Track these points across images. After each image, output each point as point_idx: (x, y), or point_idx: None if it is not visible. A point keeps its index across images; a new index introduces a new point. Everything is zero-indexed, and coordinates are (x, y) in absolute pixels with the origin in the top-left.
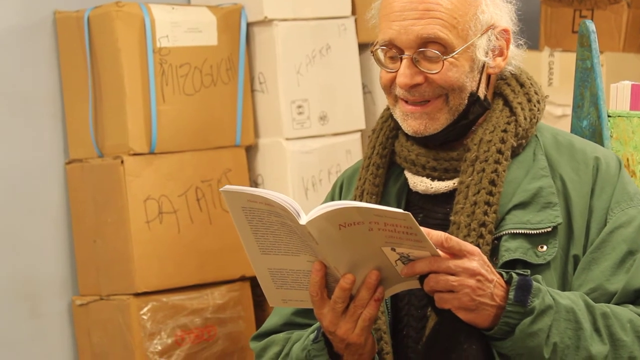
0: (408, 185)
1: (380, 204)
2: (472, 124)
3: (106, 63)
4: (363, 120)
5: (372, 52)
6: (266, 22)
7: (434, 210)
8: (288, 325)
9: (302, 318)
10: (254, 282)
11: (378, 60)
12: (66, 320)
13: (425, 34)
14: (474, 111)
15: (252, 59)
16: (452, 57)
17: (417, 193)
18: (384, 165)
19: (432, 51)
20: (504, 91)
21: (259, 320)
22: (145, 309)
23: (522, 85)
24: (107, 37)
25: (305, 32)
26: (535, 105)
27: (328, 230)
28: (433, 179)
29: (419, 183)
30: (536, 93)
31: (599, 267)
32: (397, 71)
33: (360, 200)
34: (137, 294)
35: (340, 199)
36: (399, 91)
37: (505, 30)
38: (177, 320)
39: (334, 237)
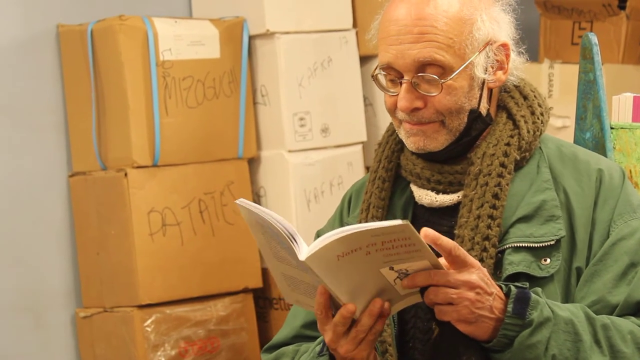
0: (414, 198)
1: (386, 217)
2: (476, 139)
3: (109, 76)
4: (364, 133)
5: (372, 76)
6: (268, 35)
7: (439, 224)
8: (298, 338)
9: (311, 331)
10: (256, 293)
11: (380, 85)
12: (70, 332)
13: (422, 57)
14: (476, 127)
15: (255, 72)
16: (450, 79)
17: (422, 206)
18: (390, 179)
19: (430, 75)
20: (508, 104)
21: (262, 332)
22: (148, 321)
23: (525, 97)
24: (110, 50)
25: (307, 45)
26: (538, 118)
27: (327, 262)
28: (438, 192)
29: (424, 196)
30: (540, 105)
31: (601, 279)
32: (398, 95)
33: (367, 214)
34: (141, 306)
35: (349, 212)
36: (400, 114)
37: (504, 45)
38: (181, 332)
39: (333, 268)
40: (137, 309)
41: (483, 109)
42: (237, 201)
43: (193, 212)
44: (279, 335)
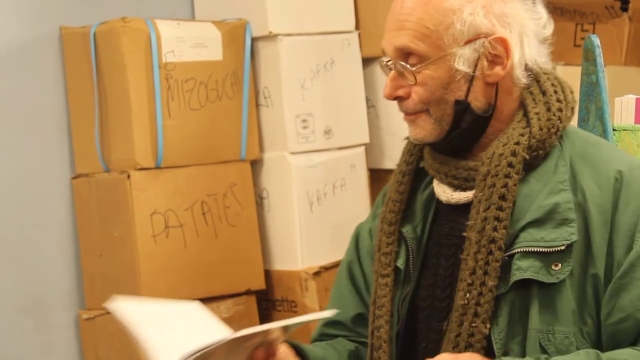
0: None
1: (405, 211)
2: (478, 134)
3: (112, 78)
4: (367, 134)
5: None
6: (271, 37)
7: (458, 222)
8: (322, 336)
9: (333, 329)
10: (259, 295)
11: (384, 71)
12: (73, 334)
13: (399, 44)
14: (465, 120)
15: (257, 74)
16: (418, 68)
17: (442, 202)
18: (410, 172)
19: (402, 63)
20: (525, 100)
21: None
22: None
23: (544, 93)
24: (113, 52)
25: (310, 47)
26: (554, 114)
27: None
28: (455, 189)
29: (442, 192)
30: (559, 100)
31: (629, 294)
32: None
33: (386, 208)
34: None
35: (381, 208)
36: (398, 106)
37: (501, 39)
38: None
39: None
40: None
41: (477, 103)
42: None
43: (196, 214)
44: (340, 314)
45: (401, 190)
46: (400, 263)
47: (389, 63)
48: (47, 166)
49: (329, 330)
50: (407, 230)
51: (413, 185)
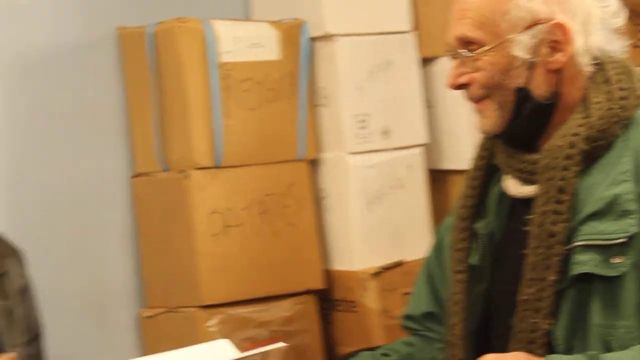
0: None
1: (479, 206)
2: (541, 125)
3: (170, 78)
4: (425, 135)
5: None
6: (327, 37)
7: (526, 216)
8: (403, 328)
9: (408, 322)
10: (320, 295)
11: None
12: (133, 332)
13: (458, 33)
14: (527, 107)
15: (314, 74)
16: (478, 55)
17: (514, 197)
18: (483, 167)
19: (462, 51)
20: (588, 89)
21: (326, 334)
22: (212, 321)
23: (606, 81)
24: (170, 52)
25: (367, 47)
26: (616, 103)
27: None
28: (522, 182)
29: (511, 186)
30: (622, 89)
31: None
32: None
33: (459, 204)
34: (204, 307)
35: None
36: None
37: (560, 25)
38: (245, 333)
39: None
40: (201, 310)
41: (539, 90)
42: None
43: (254, 213)
44: (413, 307)
45: (474, 186)
46: (474, 260)
47: (452, 53)
48: (107, 166)
49: (407, 323)
50: (480, 226)
51: (487, 181)
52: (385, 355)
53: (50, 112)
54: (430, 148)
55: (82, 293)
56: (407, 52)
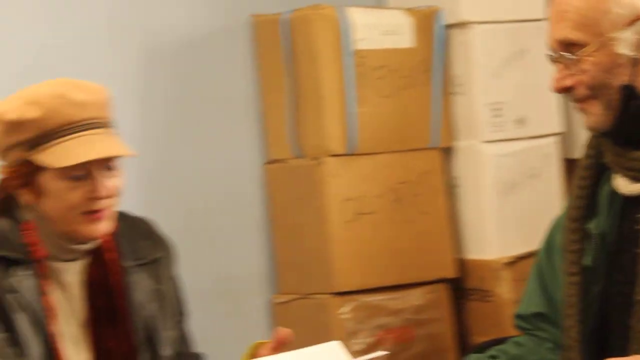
0: None
1: (589, 205)
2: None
3: (304, 65)
4: (561, 124)
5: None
6: (463, 24)
7: (637, 214)
8: (516, 327)
9: (519, 321)
10: (453, 284)
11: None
12: (266, 318)
13: (559, 36)
14: (634, 105)
15: (449, 61)
16: (580, 56)
17: (625, 196)
18: (592, 166)
19: (564, 54)
20: None
21: (459, 322)
22: (344, 309)
23: None
24: (305, 39)
25: (503, 35)
26: None
27: None
28: (632, 180)
29: (621, 185)
30: None
31: None
32: None
33: (569, 204)
34: (337, 294)
35: None
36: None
37: None
38: (378, 320)
39: None
40: (333, 297)
41: None
42: None
43: (387, 201)
44: (525, 307)
45: (583, 185)
46: (588, 261)
47: (554, 56)
48: (241, 152)
49: (518, 322)
50: (592, 226)
51: (596, 180)
52: (493, 357)
53: (185, 99)
54: (566, 137)
55: (216, 279)
56: (543, 40)
